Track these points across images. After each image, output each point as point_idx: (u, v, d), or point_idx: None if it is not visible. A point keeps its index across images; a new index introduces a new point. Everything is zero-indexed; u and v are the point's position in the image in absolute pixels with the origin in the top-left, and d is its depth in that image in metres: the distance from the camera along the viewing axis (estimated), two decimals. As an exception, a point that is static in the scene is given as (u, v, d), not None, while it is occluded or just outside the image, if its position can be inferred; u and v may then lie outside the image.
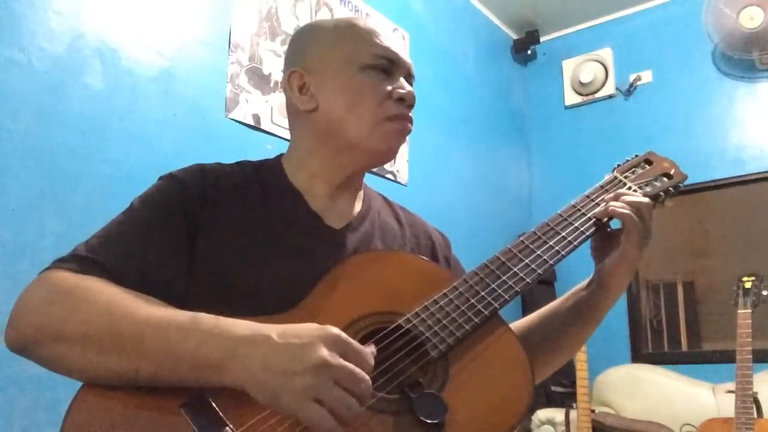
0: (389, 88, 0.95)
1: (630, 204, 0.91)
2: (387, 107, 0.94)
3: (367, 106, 0.94)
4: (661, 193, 1.01)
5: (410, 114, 0.97)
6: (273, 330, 0.69)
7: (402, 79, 0.97)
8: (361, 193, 1.05)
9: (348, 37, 0.97)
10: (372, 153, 0.96)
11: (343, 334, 0.69)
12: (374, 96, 0.94)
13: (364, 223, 1.00)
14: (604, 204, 0.94)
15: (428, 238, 1.08)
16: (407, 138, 1.00)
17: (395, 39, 1.01)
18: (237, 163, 1.01)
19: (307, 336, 0.68)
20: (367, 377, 0.67)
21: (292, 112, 1.01)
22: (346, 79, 0.95)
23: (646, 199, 0.93)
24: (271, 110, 2.45)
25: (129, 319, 0.73)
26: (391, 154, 0.99)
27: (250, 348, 0.68)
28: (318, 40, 1.00)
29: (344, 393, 0.65)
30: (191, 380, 0.70)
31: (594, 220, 0.93)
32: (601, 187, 1.00)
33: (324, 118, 0.96)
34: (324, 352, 0.66)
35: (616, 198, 0.93)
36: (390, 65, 0.96)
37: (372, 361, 0.69)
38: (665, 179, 1.03)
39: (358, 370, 0.67)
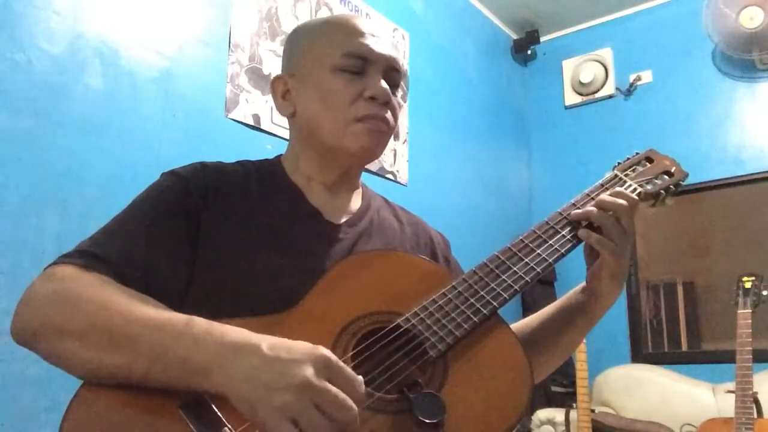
0: (361, 87, 0.93)
1: (602, 207, 0.90)
2: (357, 108, 0.93)
3: (337, 108, 0.93)
4: (662, 191, 1.00)
5: (385, 113, 0.94)
6: (264, 340, 0.69)
7: (378, 76, 0.94)
8: (359, 191, 1.06)
9: (320, 39, 0.96)
10: (348, 154, 0.96)
11: (334, 358, 0.67)
12: (344, 97, 0.93)
13: (363, 219, 1.01)
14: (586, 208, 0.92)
15: (428, 237, 1.08)
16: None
17: (376, 33, 0.97)
18: (238, 162, 1.02)
19: (298, 353, 0.67)
20: (351, 406, 0.65)
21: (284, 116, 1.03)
22: (319, 82, 0.94)
23: (614, 208, 0.91)
24: (271, 110, 2.45)
25: (125, 319, 0.74)
26: (367, 153, 0.97)
27: (238, 356, 0.68)
28: (298, 45, 1.00)
29: (322, 418, 0.63)
30: (181, 383, 0.70)
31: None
32: (602, 185, 0.99)
33: (302, 122, 0.98)
34: (309, 373, 0.64)
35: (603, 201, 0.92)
36: (362, 63, 0.94)
37: (363, 391, 0.67)
38: (666, 177, 1.02)
39: (342, 396, 0.65)
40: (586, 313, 0.97)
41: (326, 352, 0.68)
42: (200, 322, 0.73)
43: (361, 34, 0.95)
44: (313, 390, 0.64)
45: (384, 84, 0.94)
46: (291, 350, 0.67)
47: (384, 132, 0.96)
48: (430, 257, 1.04)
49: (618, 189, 0.94)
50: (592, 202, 0.92)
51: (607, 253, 0.90)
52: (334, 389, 0.65)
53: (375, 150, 0.97)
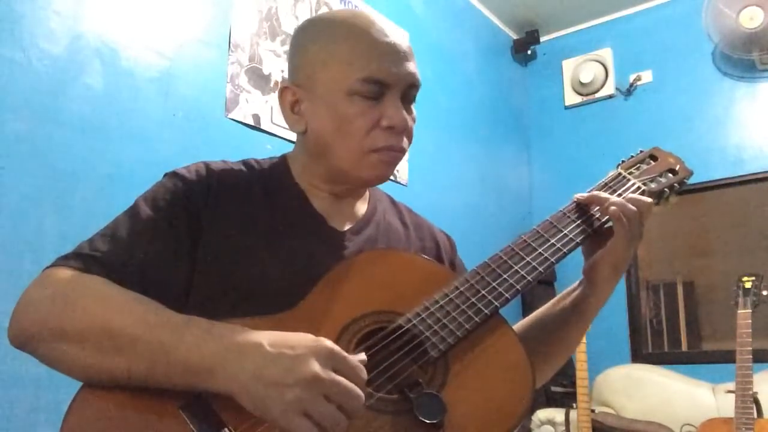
0: (378, 115, 0.88)
1: (620, 205, 0.90)
2: (374, 138, 0.88)
3: (352, 136, 0.88)
4: (666, 189, 0.99)
5: (401, 142, 0.90)
6: (265, 338, 0.69)
7: (396, 102, 0.89)
8: (366, 194, 1.04)
9: (335, 55, 0.89)
10: (361, 180, 0.94)
11: (337, 348, 0.68)
12: (360, 126, 0.88)
13: (368, 226, 0.99)
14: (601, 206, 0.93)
15: (433, 240, 1.07)
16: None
17: (393, 39, 0.90)
18: (242, 161, 1.00)
19: (300, 348, 0.67)
20: (360, 393, 0.67)
21: None
22: (333, 104, 0.89)
23: (635, 206, 0.91)
24: (271, 110, 2.45)
25: (125, 321, 0.74)
26: (380, 181, 0.95)
27: (241, 356, 0.68)
28: (308, 53, 0.92)
29: (333, 408, 0.65)
30: (183, 384, 0.70)
31: (596, 217, 0.93)
32: (605, 183, 0.98)
33: (313, 141, 0.93)
34: (316, 366, 0.66)
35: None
36: (380, 88, 0.88)
37: (365, 376, 0.69)
38: (670, 175, 1.01)
39: (351, 385, 0.66)
40: (581, 306, 0.96)
41: (327, 343, 0.68)
42: (200, 323, 0.73)
43: (380, 55, 0.88)
44: (322, 383, 0.65)
45: (402, 111, 0.89)
46: (293, 345, 0.68)
47: (397, 162, 0.93)
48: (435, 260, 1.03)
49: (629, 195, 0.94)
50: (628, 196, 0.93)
51: (621, 236, 0.89)
52: (342, 380, 0.66)
53: (387, 177, 0.95)
